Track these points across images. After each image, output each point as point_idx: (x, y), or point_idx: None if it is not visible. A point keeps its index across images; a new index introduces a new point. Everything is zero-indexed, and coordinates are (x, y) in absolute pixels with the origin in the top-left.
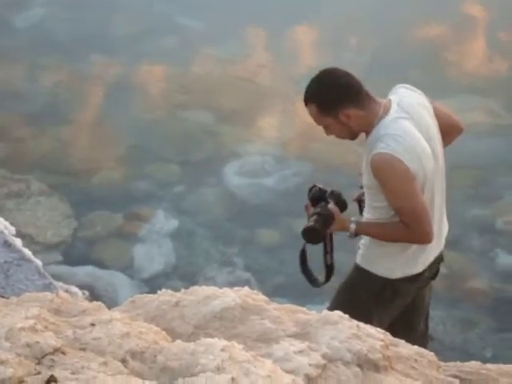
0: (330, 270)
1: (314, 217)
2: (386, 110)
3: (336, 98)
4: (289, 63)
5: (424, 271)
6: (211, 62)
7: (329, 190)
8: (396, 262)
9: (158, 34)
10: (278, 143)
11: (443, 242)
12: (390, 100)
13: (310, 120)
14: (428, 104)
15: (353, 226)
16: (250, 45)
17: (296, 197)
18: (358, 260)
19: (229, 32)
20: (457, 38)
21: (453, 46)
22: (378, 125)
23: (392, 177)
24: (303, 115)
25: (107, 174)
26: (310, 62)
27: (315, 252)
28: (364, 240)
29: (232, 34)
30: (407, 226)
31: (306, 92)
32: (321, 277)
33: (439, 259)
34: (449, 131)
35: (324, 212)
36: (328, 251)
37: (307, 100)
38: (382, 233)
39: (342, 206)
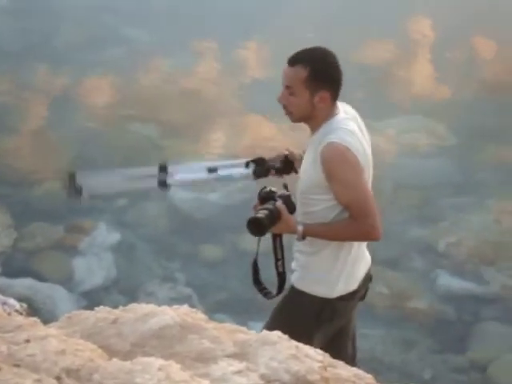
0: (282, 278)
1: (262, 210)
2: (336, 113)
3: (329, 77)
4: (236, 77)
5: (359, 288)
6: (158, 74)
7: (279, 191)
8: (335, 280)
9: (104, 45)
10: (224, 158)
11: (369, 256)
12: None
13: (256, 134)
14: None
15: (300, 228)
16: (198, 57)
17: (241, 212)
18: (295, 282)
19: (176, 44)
20: (404, 59)
21: (399, 66)
22: (329, 120)
23: (344, 166)
24: (250, 129)
25: (49, 184)
26: (257, 77)
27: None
28: (300, 261)
29: (179, 46)
30: (356, 221)
31: (303, 53)
32: (273, 289)
33: (369, 277)
34: None
35: (272, 208)
36: (279, 258)
37: (301, 60)
38: (331, 232)
39: (291, 207)
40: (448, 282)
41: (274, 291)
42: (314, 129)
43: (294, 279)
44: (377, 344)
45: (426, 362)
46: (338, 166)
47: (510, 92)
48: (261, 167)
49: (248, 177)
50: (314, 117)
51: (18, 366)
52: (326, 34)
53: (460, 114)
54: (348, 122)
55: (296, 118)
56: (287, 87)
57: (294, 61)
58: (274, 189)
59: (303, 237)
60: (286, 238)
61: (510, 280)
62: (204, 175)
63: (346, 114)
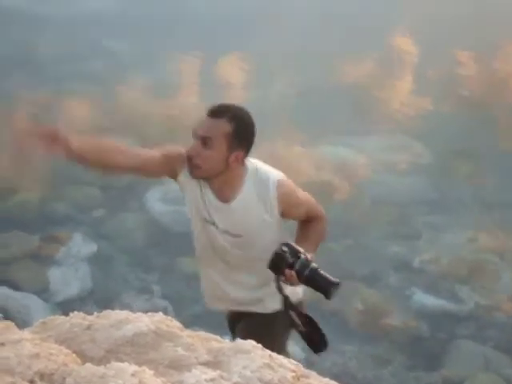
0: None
1: (317, 271)
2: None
3: (249, 139)
4: (217, 94)
5: None
6: (137, 89)
7: (282, 249)
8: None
9: (84, 57)
10: None
11: None
12: None
13: None
14: None
15: (309, 257)
16: (178, 72)
17: None
18: (267, 308)
19: (156, 57)
20: (384, 75)
21: (379, 83)
22: (249, 172)
23: (295, 191)
24: None
25: (25, 194)
26: (239, 95)
27: None
28: (264, 290)
29: (160, 59)
30: (318, 218)
31: (228, 108)
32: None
33: None
34: None
35: (314, 265)
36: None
37: (226, 114)
38: (317, 242)
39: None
40: (422, 299)
41: None
42: (223, 184)
43: (263, 306)
44: (350, 359)
45: (399, 379)
46: (293, 195)
47: (486, 109)
48: None
49: None
50: (222, 175)
51: None
52: (309, 49)
53: (437, 132)
54: (257, 161)
55: (204, 172)
56: (204, 138)
57: (218, 113)
58: (278, 251)
59: None
60: None
61: (483, 298)
62: None
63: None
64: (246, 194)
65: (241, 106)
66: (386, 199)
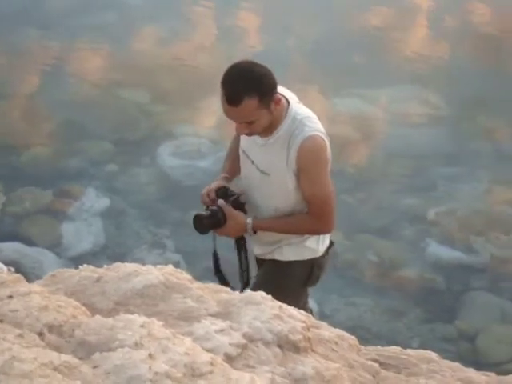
0: (246, 285)
1: (207, 210)
2: (286, 102)
3: (272, 84)
4: (230, 45)
5: (331, 240)
6: (150, 40)
7: (236, 194)
8: (319, 239)
9: (96, 9)
10: (214, 126)
11: None
12: None
13: None
14: None
15: (249, 221)
16: (191, 24)
17: None
18: (279, 256)
19: (169, 9)
20: (400, 25)
21: (396, 33)
22: (287, 113)
23: (319, 163)
24: None
25: (38, 149)
26: (253, 45)
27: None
28: (281, 237)
29: (172, 12)
30: (313, 218)
31: (238, 85)
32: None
33: None
34: None
35: (215, 208)
36: (244, 269)
37: (243, 94)
38: (284, 227)
39: (240, 207)
40: (438, 251)
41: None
42: (274, 127)
43: (279, 254)
44: (365, 312)
45: (414, 331)
46: (314, 162)
47: (503, 60)
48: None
49: None
50: (274, 119)
51: (0, 321)
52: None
53: (454, 83)
54: (301, 106)
55: (262, 131)
56: (247, 120)
57: (237, 100)
58: (232, 189)
59: (254, 231)
60: None
61: (499, 250)
62: None
63: (291, 98)
64: (280, 134)
65: (243, 67)
66: (402, 151)
